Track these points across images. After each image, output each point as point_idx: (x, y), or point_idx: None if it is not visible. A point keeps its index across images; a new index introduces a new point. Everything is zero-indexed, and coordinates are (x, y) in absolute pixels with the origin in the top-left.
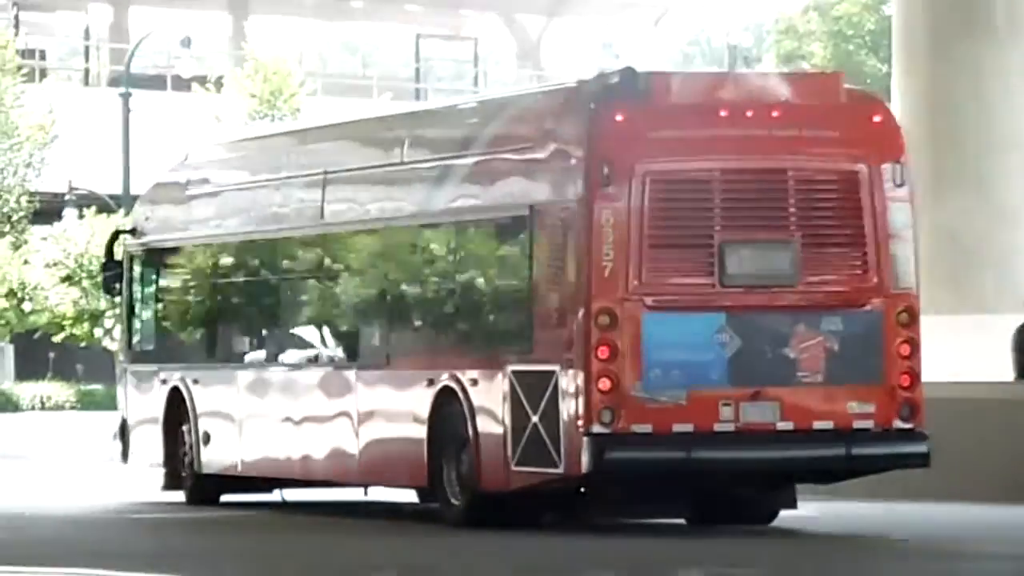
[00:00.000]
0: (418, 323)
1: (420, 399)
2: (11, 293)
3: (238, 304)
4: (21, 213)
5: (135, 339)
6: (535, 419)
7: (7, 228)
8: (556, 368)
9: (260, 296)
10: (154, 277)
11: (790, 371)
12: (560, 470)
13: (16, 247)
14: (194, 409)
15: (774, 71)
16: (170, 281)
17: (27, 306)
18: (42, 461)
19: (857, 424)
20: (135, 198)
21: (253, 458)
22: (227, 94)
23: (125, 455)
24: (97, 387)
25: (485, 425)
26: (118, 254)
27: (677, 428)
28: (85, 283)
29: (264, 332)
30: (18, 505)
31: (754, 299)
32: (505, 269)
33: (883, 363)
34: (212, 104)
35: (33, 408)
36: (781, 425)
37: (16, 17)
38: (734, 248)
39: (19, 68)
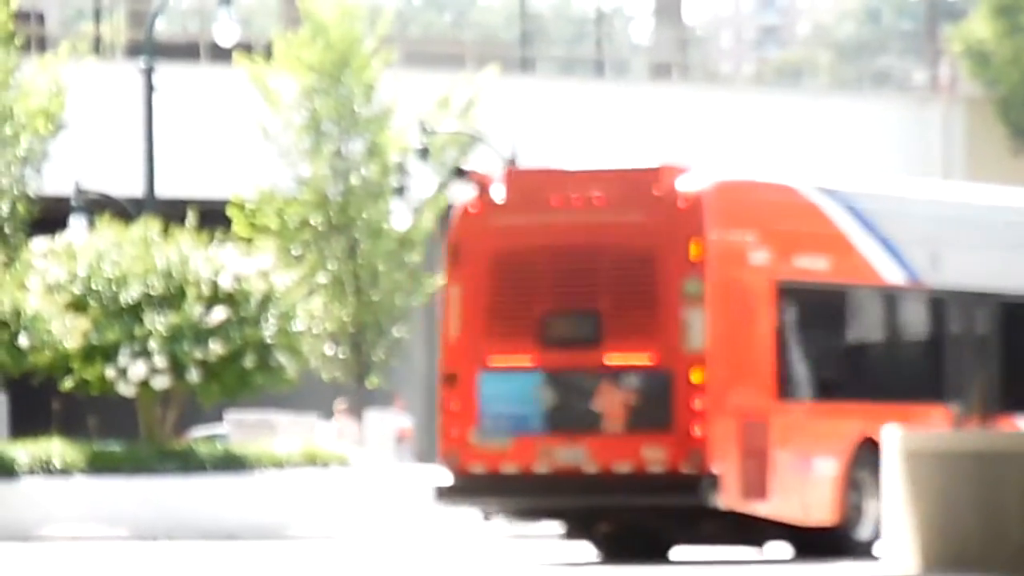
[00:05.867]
0: None
1: None
2: (2, 325)
3: None
4: (16, 223)
5: None
6: None
7: None
8: None
9: None
10: None
11: (594, 421)
12: None
13: (9, 266)
14: None
15: (601, 168)
16: None
17: (23, 342)
18: (61, 541)
19: (651, 469)
20: (160, 202)
21: None
22: (278, 66)
23: None
24: (114, 448)
25: None
26: None
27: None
28: (96, 312)
29: None
30: None
31: (565, 360)
32: None
33: (673, 415)
34: (260, 79)
35: (32, 472)
36: (587, 468)
37: None
38: (552, 319)
39: (12, 36)
